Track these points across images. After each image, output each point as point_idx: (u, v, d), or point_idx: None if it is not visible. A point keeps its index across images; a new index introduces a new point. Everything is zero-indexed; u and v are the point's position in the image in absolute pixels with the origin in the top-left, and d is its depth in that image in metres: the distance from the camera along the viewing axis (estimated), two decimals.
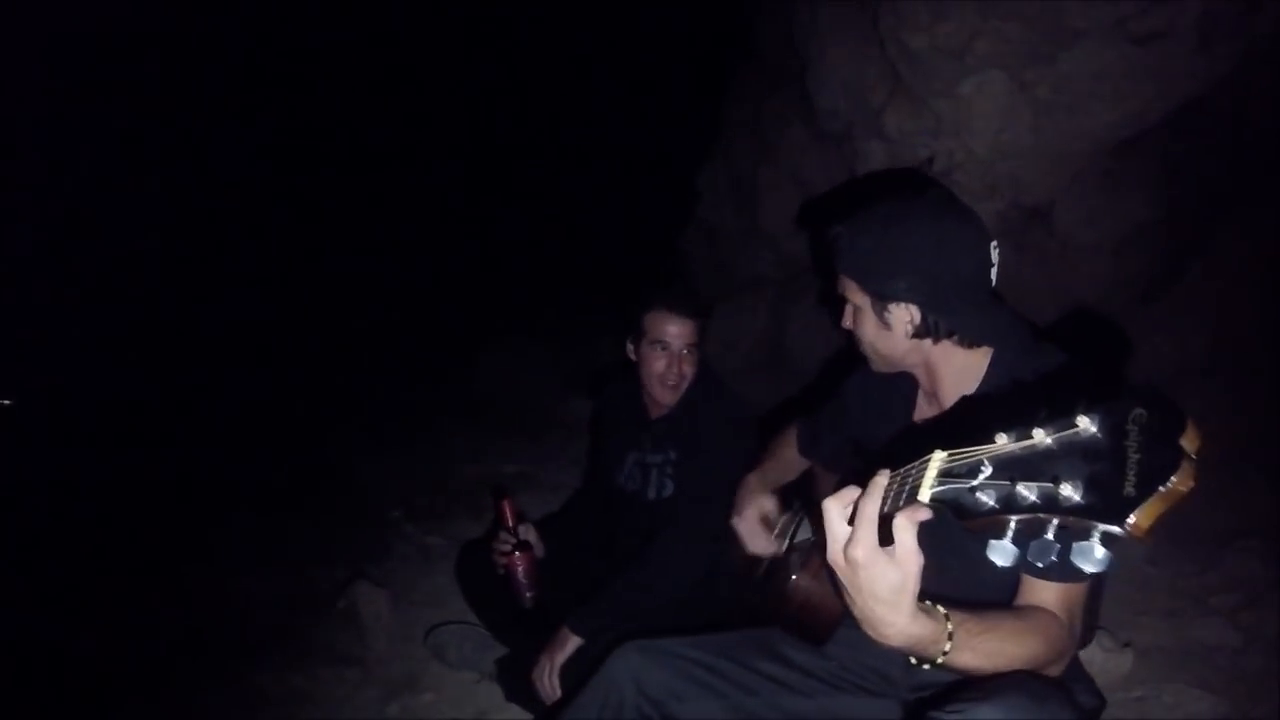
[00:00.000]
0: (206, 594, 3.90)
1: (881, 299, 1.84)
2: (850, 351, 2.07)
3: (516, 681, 2.84)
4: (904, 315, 1.82)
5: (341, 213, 12.60)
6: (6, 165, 8.28)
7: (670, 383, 2.95)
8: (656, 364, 2.94)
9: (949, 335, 1.81)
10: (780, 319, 5.56)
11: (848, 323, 1.97)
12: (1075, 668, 1.81)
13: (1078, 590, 1.60)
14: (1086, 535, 0.95)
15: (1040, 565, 1.00)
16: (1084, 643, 1.84)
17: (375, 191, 13.25)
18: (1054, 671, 1.54)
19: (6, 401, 6.86)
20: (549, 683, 2.63)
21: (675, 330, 2.92)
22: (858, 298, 1.89)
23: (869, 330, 1.90)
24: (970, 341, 1.81)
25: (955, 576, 1.59)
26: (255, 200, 11.58)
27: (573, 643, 2.63)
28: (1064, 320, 4.21)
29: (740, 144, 6.04)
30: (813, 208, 5.01)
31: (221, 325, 9.11)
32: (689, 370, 2.96)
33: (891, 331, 1.85)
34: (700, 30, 9.27)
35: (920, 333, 1.82)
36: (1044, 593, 1.59)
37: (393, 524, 4.57)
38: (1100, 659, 2.84)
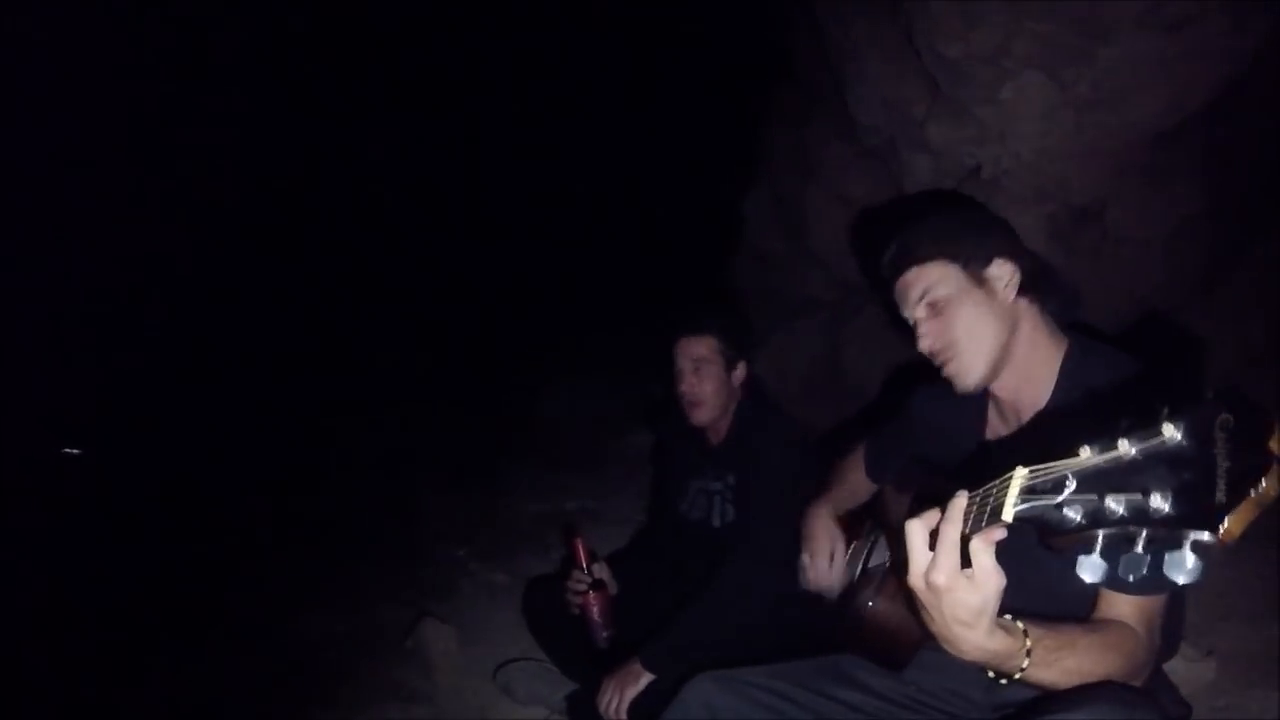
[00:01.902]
0: (272, 634, 3.95)
1: (980, 260, 1.82)
2: (911, 368, 2.04)
3: (586, 717, 2.83)
4: (1005, 270, 1.81)
5: (405, 249, 12.70)
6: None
7: (689, 400, 2.97)
8: (678, 388, 2.98)
9: (1046, 290, 1.83)
10: (835, 341, 5.52)
11: (933, 321, 1.87)
12: (1159, 677, 1.77)
13: (1156, 603, 1.57)
14: (1178, 545, 0.93)
15: (1131, 580, 0.98)
16: (1167, 656, 1.80)
17: (436, 228, 13.36)
18: (1137, 683, 1.51)
19: (76, 451, 6.98)
20: (617, 716, 2.61)
21: (681, 350, 2.98)
22: (948, 278, 1.84)
23: (966, 310, 1.82)
24: (1060, 313, 1.83)
25: (1032, 591, 1.55)
26: (322, 233, 11.71)
27: (645, 678, 2.62)
28: (1122, 319, 4.14)
29: (784, 166, 6.03)
30: (861, 226, 4.98)
31: (282, 358, 9.21)
32: (708, 387, 2.97)
33: (994, 297, 1.82)
34: (737, 57, 9.27)
35: (1025, 285, 1.81)
36: (1122, 606, 1.56)
37: (458, 562, 4.60)
38: (1182, 669, 2.75)
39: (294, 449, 6.90)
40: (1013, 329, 1.81)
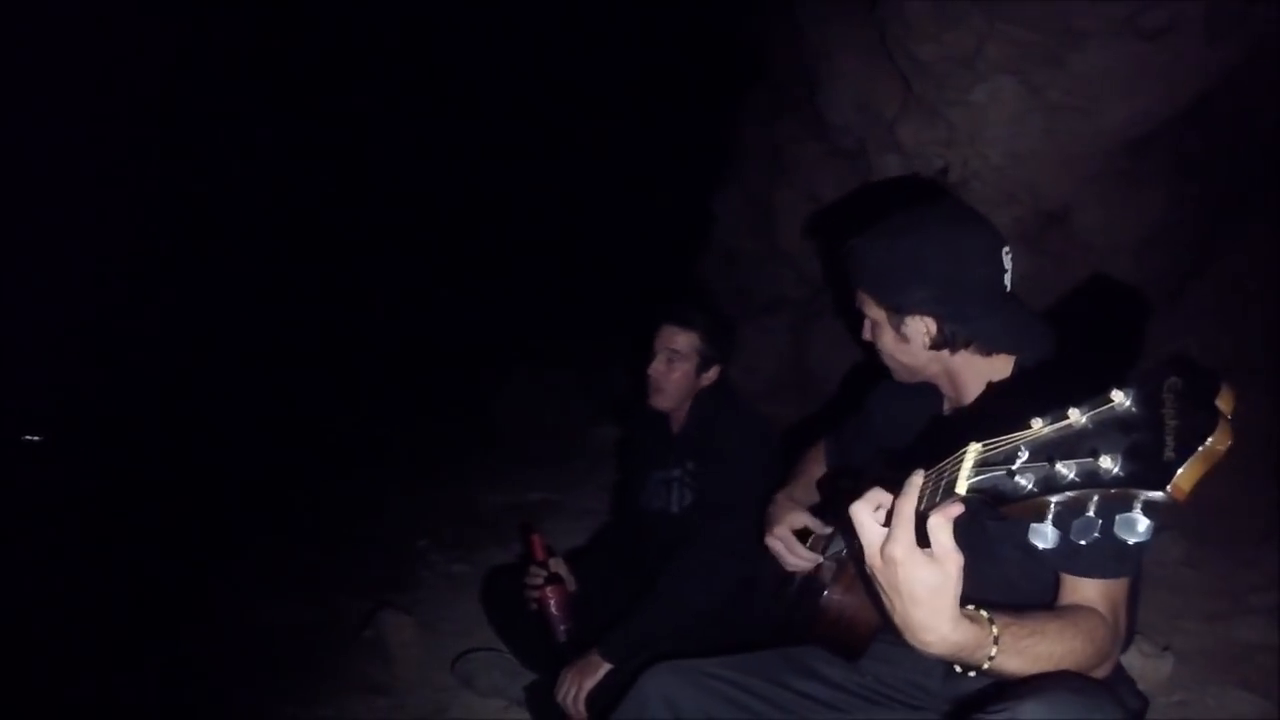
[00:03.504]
0: (231, 623, 3.91)
1: (898, 312, 1.83)
2: (872, 365, 2.05)
3: (545, 708, 2.81)
4: (920, 327, 1.81)
5: (365, 240, 12.67)
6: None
7: (652, 383, 2.99)
8: (647, 368, 3.00)
9: (966, 345, 1.79)
10: (802, 339, 5.54)
11: (867, 335, 1.96)
12: (1117, 670, 1.77)
13: (1120, 586, 1.57)
14: (1129, 506, 0.93)
15: (1083, 543, 0.97)
16: (1123, 648, 1.81)
17: (398, 219, 13.32)
18: (1101, 673, 1.50)
19: (36, 438, 6.91)
20: (575, 707, 2.60)
21: (662, 335, 2.99)
22: (875, 312, 1.89)
23: (888, 343, 1.89)
24: (988, 349, 1.80)
25: (992, 585, 1.55)
26: (277, 224, 11.66)
27: (603, 668, 2.60)
28: (1088, 324, 4.17)
29: (754, 165, 6.05)
30: (829, 225, 4.99)
31: (248, 354, 9.16)
32: (674, 377, 2.98)
33: (910, 344, 1.84)
34: (710, 53, 9.31)
35: (938, 344, 1.81)
36: (1087, 590, 1.56)
37: (419, 553, 4.57)
38: (1140, 663, 2.79)
39: (257, 440, 6.85)
40: (939, 360, 1.85)
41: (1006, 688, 1.39)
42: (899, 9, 4.02)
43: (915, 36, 4.00)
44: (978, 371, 1.82)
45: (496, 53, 14.09)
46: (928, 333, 1.80)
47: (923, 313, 1.79)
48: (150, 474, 5.94)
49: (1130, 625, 1.79)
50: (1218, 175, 4.35)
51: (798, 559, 2.17)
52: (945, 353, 1.82)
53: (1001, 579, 1.60)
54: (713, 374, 3.03)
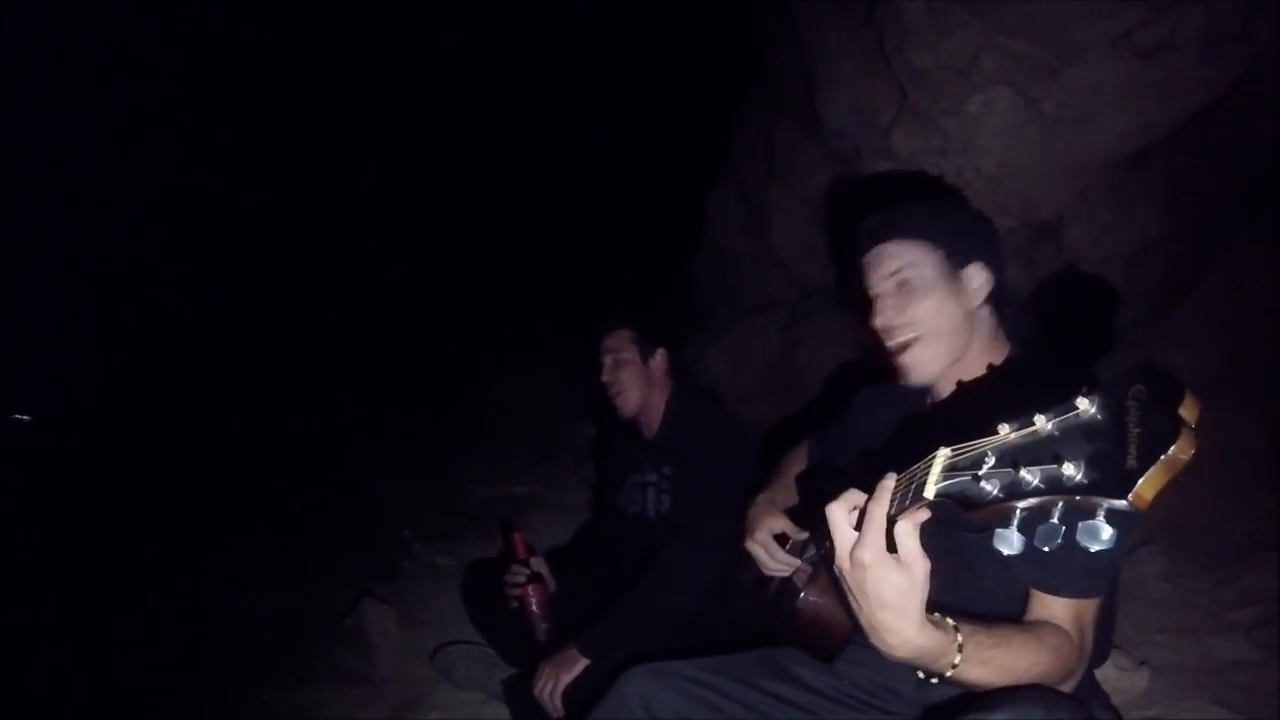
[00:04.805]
0: (212, 610, 3.93)
1: (961, 257, 1.80)
2: (860, 366, 2.05)
3: (523, 702, 2.81)
4: (981, 276, 1.80)
5: (355, 234, 12.66)
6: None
7: (611, 390, 3.11)
8: (600, 380, 3.13)
9: (1003, 315, 1.82)
10: (792, 340, 5.55)
11: (898, 298, 1.82)
12: (1089, 683, 1.79)
13: (1088, 607, 1.57)
14: (1092, 514, 0.94)
15: (1046, 549, 0.98)
16: (1098, 662, 1.82)
17: (390, 214, 13.32)
18: (1064, 689, 1.50)
19: (25, 417, 6.91)
20: (552, 701, 2.60)
21: (602, 348, 3.13)
22: (926, 262, 1.80)
23: (933, 300, 1.79)
24: (1010, 329, 1.83)
25: (972, 593, 1.59)
26: (271, 219, 11.66)
27: (580, 663, 2.61)
28: (1078, 335, 4.19)
29: (750, 167, 6.06)
30: (823, 227, 5.01)
31: (233, 344, 9.16)
32: (624, 374, 3.09)
33: (962, 295, 1.80)
34: (711, 54, 9.33)
35: (993, 297, 1.81)
36: (1055, 608, 1.56)
37: (402, 543, 4.58)
38: (1115, 677, 2.79)
39: (243, 430, 6.85)
40: (970, 333, 1.81)
41: (977, 698, 1.40)
42: (897, 16, 4.02)
43: (912, 45, 4.00)
44: (987, 357, 1.82)
45: (491, 50, 14.09)
46: (987, 282, 1.79)
47: (983, 260, 1.80)
48: (134, 462, 5.93)
49: (1104, 644, 1.81)
50: (1210, 190, 4.36)
51: (777, 564, 2.17)
52: (986, 313, 1.81)
53: (978, 591, 1.61)
54: (661, 359, 3.12)
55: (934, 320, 1.79)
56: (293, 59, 12.18)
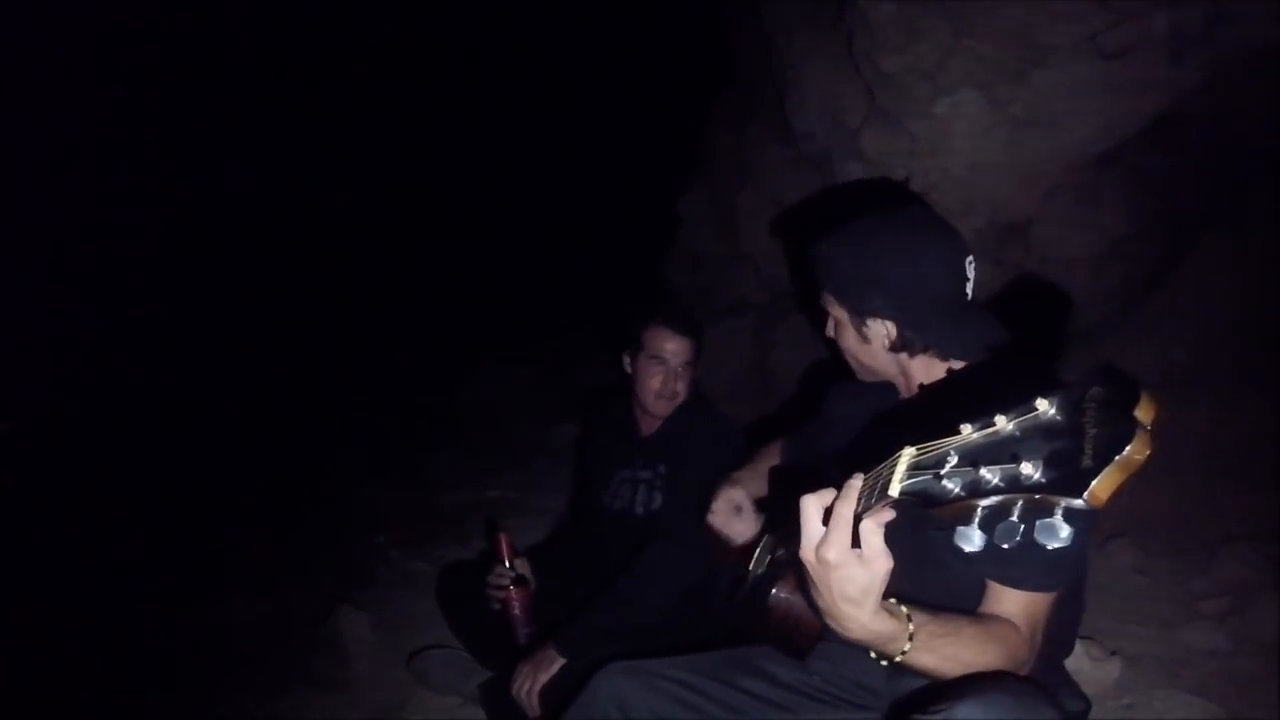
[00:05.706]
0: (187, 617, 3.89)
1: (860, 314, 1.88)
2: (834, 365, 2.09)
3: (500, 706, 2.81)
4: (881, 330, 1.86)
5: (330, 235, 12.62)
6: (8, 165, 8.29)
7: (666, 396, 3.03)
8: (653, 379, 3.02)
9: (925, 350, 1.85)
10: (764, 342, 5.57)
11: (830, 333, 2.01)
12: (1059, 673, 1.82)
13: (1041, 602, 1.61)
14: (1050, 512, 0.97)
15: (1006, 546, 1.02)
16: (1064, 654, 1.86)
17: (362, 216, 13.29)
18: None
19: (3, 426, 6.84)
20: (529, 701, 2.61)
21: (673, 347, 3.01)
22: (838, 311, 1.94)
23: (850, 342, 1.95)
24: (946, 356, 1.84)
25: (939, 589, 1.62)
26: (247, 221, 11.61)
27: (558, 663, 2.62)
28: (1045, 334, 4.23)
29: (721, 169, 6.07)
30: (793, 228, 5.03)
31: (206, 347, 9.11)
32: (683, 388, 3.05)
33: (870, 345, 1.90)
34: (682, 57, 9.36)
35: (897, 347, 1.86)
36: (1007, 602, 1.61)
37: (377, 548, 4.56)
38: (1088, 668, 2.83)
39: (214, 433, 6.81)
40: (898, 362, 1.90)
41: (945, 688, 1.44)
42: (865, 20, 4.04)
43: (881, 48, 4.02)
44: (935, 375, 1.87)
45: (460, 55, 14.10)
46: (888, 336, 1.86)
47: (883, 317, 1.85)
48: (106, 468, 5.89)
49: (1069, 636, 1.84)
50: (1178, 191, 4.41)
51: (740, 529, 2.22)
52: (904, 355, 1.87)
53: (944, 587, 1.65)
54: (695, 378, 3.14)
55: (859, 357, 1.96)
56: (263, 59, 12.13)
